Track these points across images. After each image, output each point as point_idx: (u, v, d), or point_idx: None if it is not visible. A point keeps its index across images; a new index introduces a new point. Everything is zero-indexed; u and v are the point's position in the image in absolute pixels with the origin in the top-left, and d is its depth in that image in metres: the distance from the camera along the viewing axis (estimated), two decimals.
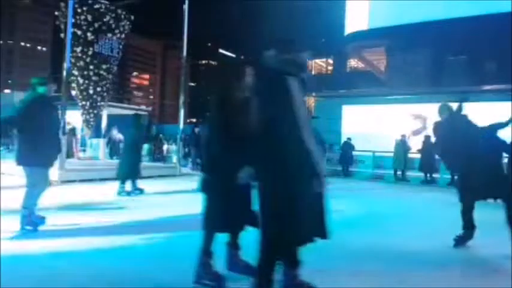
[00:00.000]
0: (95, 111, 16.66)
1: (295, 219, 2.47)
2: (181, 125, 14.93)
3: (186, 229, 4.94)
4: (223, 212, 3.11)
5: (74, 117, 16.55)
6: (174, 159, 16.53)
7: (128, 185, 8.15)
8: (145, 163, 15.88)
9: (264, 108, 2.60)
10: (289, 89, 2.52)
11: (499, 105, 13.80)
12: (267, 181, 2.56)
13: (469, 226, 4.69)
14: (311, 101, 34.34)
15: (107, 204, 7.10)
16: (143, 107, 46.74)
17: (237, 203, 3.08)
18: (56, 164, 8.25)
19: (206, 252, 3.17)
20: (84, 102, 16.32)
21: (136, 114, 9.09)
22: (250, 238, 2.99)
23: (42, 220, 4.88)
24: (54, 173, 8.12)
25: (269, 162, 2.52)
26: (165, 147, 20.85)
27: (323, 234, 2.70)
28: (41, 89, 4.87)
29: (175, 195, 8.68)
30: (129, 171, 8.12)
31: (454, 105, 4.88)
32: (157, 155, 19.44)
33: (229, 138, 3.04)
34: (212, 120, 3.28)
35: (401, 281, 3.47)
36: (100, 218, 5.78)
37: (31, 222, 4.71)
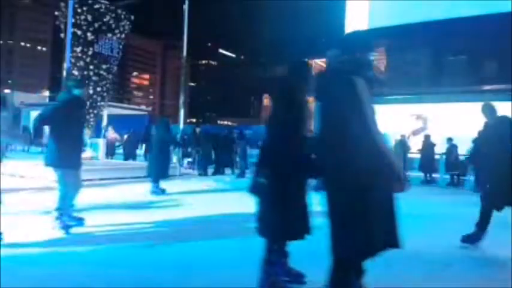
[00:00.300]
0: (95, 111, 16.68)
1: (369, 228, 2.30)
2: (181, 125, 14.93)
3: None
4: (288, 220, 2.95)
5: None
6: (174, 159, 16.53)
7: (150, 186, 8.31)
8: (145, 163, 15.91)
9: (332, 110, 2.46)
10: (357, 89, 2.39)
11: (499, 105, 13.78)
12: (337, 188, 2.38)
13: (483, 228, 4.69)
14: (311, 101, 34.44)
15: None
16: (143, 107, 46.76)
17: (300, 210, 2.96)
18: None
19: (269, 262, 3.03)
20: None
21: (165, 117, 9.39)
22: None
23: (80, 221, 4.91)
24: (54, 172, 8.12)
25: (340, 166, 2.35)
26: None
27: (395, 243, 2.42)
28: (76, 91, 4.93)
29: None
30: (162, 172, 8.33)
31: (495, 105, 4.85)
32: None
33: (297, 142, 2.92)
34: (282, 122, 3.04)
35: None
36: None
37: (64, 225, 4.67)
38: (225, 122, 61.78)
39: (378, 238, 2.33)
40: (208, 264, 3.82)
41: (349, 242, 2.34)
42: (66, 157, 4.64)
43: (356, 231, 2.31)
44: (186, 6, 14.40)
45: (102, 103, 17.08)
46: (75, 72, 15.79)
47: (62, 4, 15.18)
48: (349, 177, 2.32)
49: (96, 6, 16.04)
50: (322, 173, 2.53)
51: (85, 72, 16.08)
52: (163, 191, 8.26)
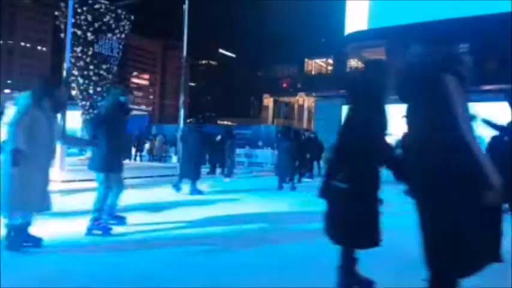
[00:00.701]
0: (95, 111, 16.65)
1: (470, 243, 2.10)
2: (181, 125, 14.93)
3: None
4: (367, 226, 2.83)
5: (74, 117, 16.54)
6: (174, 159, 16.54)
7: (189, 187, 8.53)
8: (144, 163, 16.02)
9: (421, 112, 2.27)
10: (449, 88, 2.18)
11: (499, 105, 13.81)
12: (432, 196, 2.18)
13: None
14: (311, 101, 34.37)
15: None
16: (143, 107, 46.79)
17: (377, 216, 2.84)
18: (57, 163, 8.29)
19: (348, 271, 2.92)
20: (84, 102, 16.33)
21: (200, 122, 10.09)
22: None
23: (122, 220, 5.01)
24: (54, 173, 8.14)
25: (432, 173, 2.15)
26: (164, 147, 20.85)
27: (497, 257, 2.17)
28: (122, 98, 5.09)
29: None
30: (198, 173, 8.66)
31: None
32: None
33: (381, 144, 2.82)
34: (365, 124, 2.85)
35: None
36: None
37: (101, 226, 4.70)
38: (225, 122, 61.77)
39: (479, 254, 2.11)
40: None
41: (448, 254, 2.12)
42: (110, 161, 4.76)
43: (457, 244, 2.10)
44: (186, 6, 14.40)
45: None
46: (75, 72, 15.81)
47: (62, 4, 15.20)
48: (444, 185, 2.12)
49: (96, 6, 16.06)
50: (410, 178, 2.34)
51: (85, 72, 16.09)
52: (200, 192, 8.46)
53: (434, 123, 2.18)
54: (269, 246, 4.51)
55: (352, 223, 2.81)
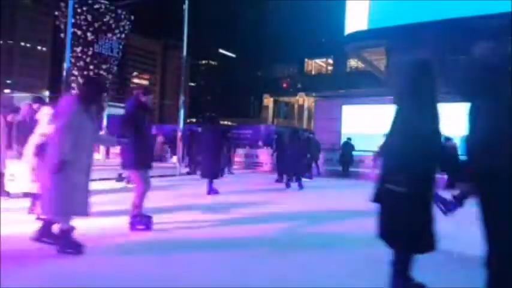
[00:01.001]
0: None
1: None
2: (181, 125, 14.92)
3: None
4: (425, 231, 2.80)
5: None
6: (174, 159, 16.51)
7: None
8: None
9: (493, 111, 2.21)
10: None
11: None
12: (501, 198, 2.12)
13: None
14: (311, 101, 34.36)
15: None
16: None
17: (433, 221, 2.81)
18: None
19: (407, 278, 2.89)
20: None
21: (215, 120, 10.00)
22: None
23: (149, 219, 5.17)
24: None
25: (497, 175, 2.10)
26: (164, 147, 20.84)
27: None
28: (144, 98, 5.23)
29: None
30: (217, 172, 8.92)
31: None
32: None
33: (439, 144, 2.79)
34: (420, 124, 2.77)
35: None
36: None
37: (143, 222, 4.95)
38: (225, 122, 61.78)
39: None
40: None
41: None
42: (144, 159, 4.97)
43: None
44: (186, 6, 14.40)
45: (102, 103, 17.05)
46: (75, 72, 15.80)
47: (62, 4, 15.20)
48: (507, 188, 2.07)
49: (96, 6, 16.06)
50: (474, 179, 2.29)
51: (85, 72, 16.08)
52: (216, 191, 8.65)
53: (509, 124, 2.08)
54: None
55: (411, 227, 2.77)
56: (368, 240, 3.37)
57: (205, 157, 8.86)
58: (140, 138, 4.93)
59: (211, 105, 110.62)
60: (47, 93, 78.20)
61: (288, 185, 10.29)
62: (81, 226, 4.12)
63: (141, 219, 4.93)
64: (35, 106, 6.83)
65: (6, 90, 55.86)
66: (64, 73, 11.38)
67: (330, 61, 36.85)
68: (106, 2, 16.49)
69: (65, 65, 11.31)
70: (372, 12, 23.36)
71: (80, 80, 16.03)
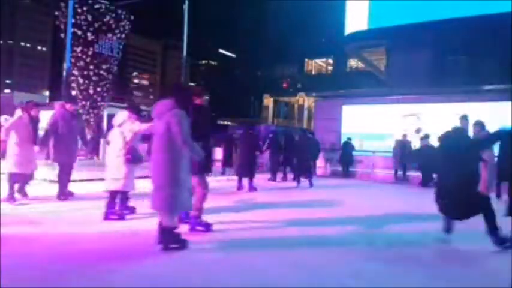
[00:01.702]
0: (95, 111, 16.66)
1: None
2: None
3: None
4: None
5: None
6: None
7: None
8: (144, 163, 15.63)
9: None
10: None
11: (499, 105, 13.82)
12: None
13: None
14: (311, 101, 34.38)
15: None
16: (143, 107, 46.81)
17: None
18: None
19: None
20: (84, 102, 16.32)
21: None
22: None
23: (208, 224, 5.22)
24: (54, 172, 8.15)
25: None
26: None
27: None
28: (198, 100, 5.18)
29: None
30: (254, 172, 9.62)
31: None
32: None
33: None
34: None
35: None
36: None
37: (201, 223, 5.01)
38: (225, 122, 61.72)
39: None
40: None
41: None
42: (205, 164, 4.99)
43: None
44: (186, 6, 14.41)
45: (102, 103, 17.06)
46: (75, 72, 15.81)
47: (62, 4, 15.20)
48: None
49: (96, 6, 16.06)
50: None
51: (85, 72, 16.09)
52: (255, 188, 9.41)
53: None
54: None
55: None
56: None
57: (243, 157, 9.72)
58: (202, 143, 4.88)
59: (211, 105, 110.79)
60: (47, 93, 78.26)
61: (298, 183, 10.92)
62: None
63: (201, 221, 5.00)
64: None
65: (6, 90, 55.88)
66: (64, 73, 11.38)
67: (330, 61, 36.86)
68: (106, 2, 16.50)
69: (65, 65, 11.32)
70: (372, 12, 23.37)
71: (80, 80, 16.03)
